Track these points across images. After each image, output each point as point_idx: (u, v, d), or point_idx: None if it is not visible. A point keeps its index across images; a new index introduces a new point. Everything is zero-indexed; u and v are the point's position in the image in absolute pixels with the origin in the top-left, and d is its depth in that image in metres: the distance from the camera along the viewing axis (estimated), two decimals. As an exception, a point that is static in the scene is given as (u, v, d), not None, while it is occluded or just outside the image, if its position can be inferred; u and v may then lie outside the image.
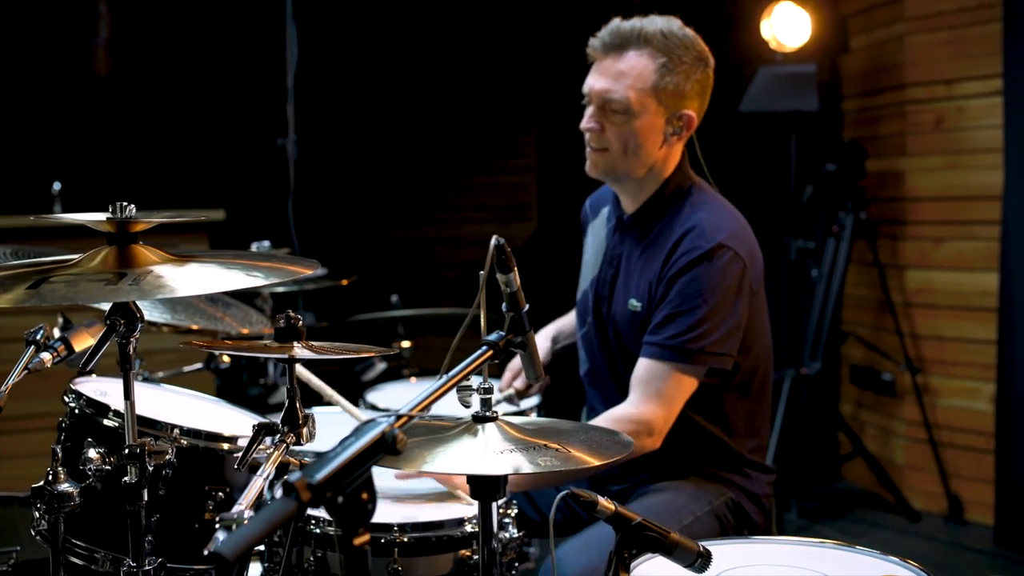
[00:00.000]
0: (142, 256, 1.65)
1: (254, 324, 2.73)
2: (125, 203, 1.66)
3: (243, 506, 1.37)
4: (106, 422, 1.97)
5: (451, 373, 1.36)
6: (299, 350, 1.67)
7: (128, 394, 1.70)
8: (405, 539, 1.89)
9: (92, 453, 1.88)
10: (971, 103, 4.26)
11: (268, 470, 1.52)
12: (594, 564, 2.11)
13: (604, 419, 2.22)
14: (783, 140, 4.58)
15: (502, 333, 1.43)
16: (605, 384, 2.45)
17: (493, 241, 1.38)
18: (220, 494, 1.99)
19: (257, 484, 1.47)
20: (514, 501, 2.07)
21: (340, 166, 6.65)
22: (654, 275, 2.30)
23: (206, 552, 1.30)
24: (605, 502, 1.48)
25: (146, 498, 1.72)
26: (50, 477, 1.80)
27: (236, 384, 3.50)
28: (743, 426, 2.38)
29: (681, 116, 2.34)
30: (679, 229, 2.30)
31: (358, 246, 6.60)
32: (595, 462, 1.63)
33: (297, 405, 1.67)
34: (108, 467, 1.87)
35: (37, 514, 2.00)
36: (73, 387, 2.04)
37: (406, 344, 3.56)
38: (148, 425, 1.95)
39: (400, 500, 2.07)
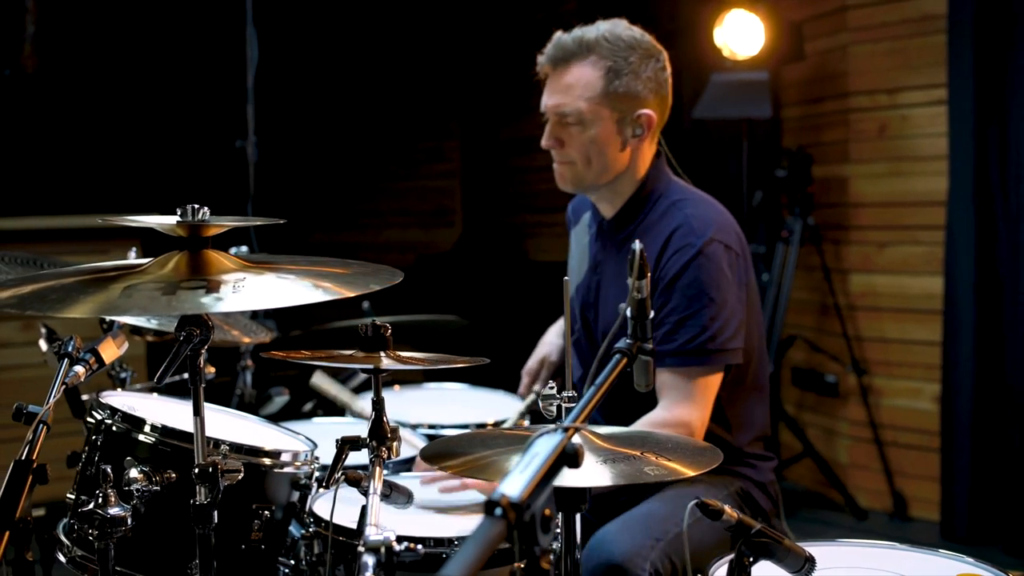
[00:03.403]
0: (215, 262, 1.55)
1: (256, 332, 2.62)
2: (196, 205, 1.56)
3: (385, 530, 1.29)
4: (142, 437, 1.86)
5: (598, 381, 1.31)
6: (385, 360, 1.59)
7: (198, 410, 1.60)
8: (443, 553, 1.82)
9: (135, 472, 1.77)
10: (914, 112, 4.39)
11: (376, 487, 1.44)
12: (638, 542, 2.10)
13: (641, 425, 2.20)
14: (735, 147, 4.65)
15: (629, 340, 1.38)
16: None
17: (636, 245, 1.33)
18: (267, 513, 1.90)
19: (375, 503, 1.39)
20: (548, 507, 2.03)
21: (299, 168, 6.50)
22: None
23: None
24: (729, 510, 1.46)
25: (216, 520, 1.62)
26: (100, 499, 1.68)
27: (220, 396, 3.35)
28: (742, 419, 2.39)
29: (639, 117, 2.33)
30: (665, 229, 2.29)
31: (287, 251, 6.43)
32: (691, 471, 1.61)
33: (384, 418, 1.59)
34: (156, 487, 1.76)
35: (66, 539, 1.88)
36: (103, 401, 1.92)
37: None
38: (189, 440, 1.84)
39: (445, 512, 2.01)
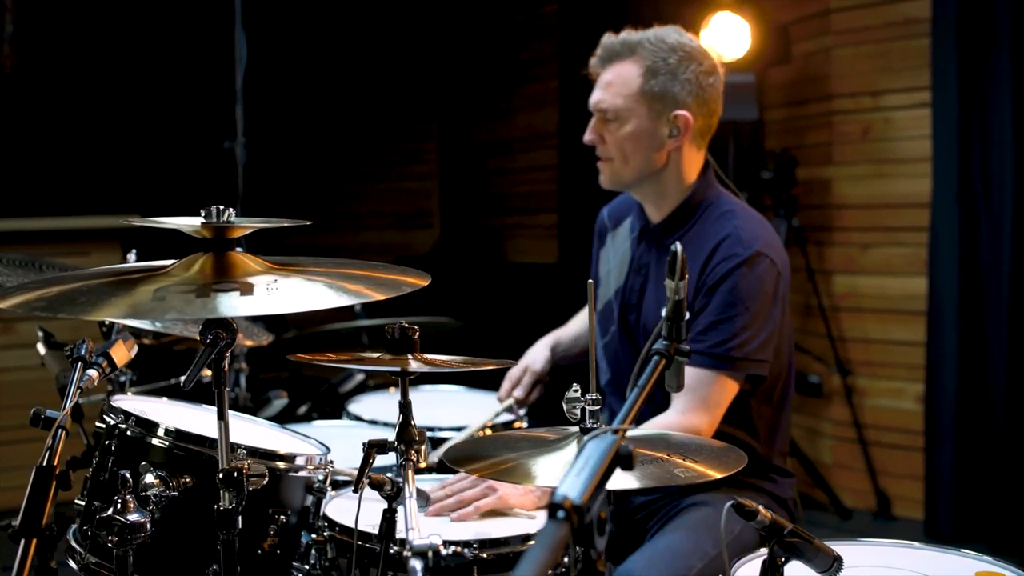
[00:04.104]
0: (241, 264, 1.53)
1: (258, 335, 2.60)
2: (222, 207, 1.54)
3: (430, 534, 1.27)
4: (155, 442, 1.83)
5: (640, 383, 1.30)
6: (413, 363, 1.58)
7: (222, 414, 1.58)
8: (484, 555, 1.81)
9: (150, 478, 1.75)
10: (897, 114, 4.43)
11: (411, 491, 1.42)
12: None
13: (653, 427, 2.20)
14: (720, 148, 4.67)
15: (666, 342, 1.38)
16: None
17: (677, 247, 1.33)
18: (282, 517, 1.88)
19: (413, 508, 1.38)
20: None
21: (282, 169, 6.46)
22: (690, 283, 2.30)
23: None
24: (764, 511, 1.46)
25: (240, 525, 1.59)
26: (119, 505, 1.65)
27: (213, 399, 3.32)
28: (767, 433, 2.41)
29: (675, 117, 2.36)
30: (713, 237, 2.30)
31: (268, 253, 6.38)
32: (717, 474, 1.61)
33: (412, 421, 1.57)
34: (174, 492, 1.74)
35: (77, 545, 1.85)
36: (115, 404, 1.89)
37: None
38: (208, 444, 1.82)
39: (460, 517, 1.99)
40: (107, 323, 2.33)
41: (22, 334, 4.53)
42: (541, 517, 2.01)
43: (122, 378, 2.48)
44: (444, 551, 1.21)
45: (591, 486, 1.06)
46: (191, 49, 5.60)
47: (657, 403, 2.30)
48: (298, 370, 4.16)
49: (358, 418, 2.91)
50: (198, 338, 2.54)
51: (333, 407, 3.11)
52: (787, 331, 2.41)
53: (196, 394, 2.92)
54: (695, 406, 2.20)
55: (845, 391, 4.57)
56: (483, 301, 5.98)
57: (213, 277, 1.48)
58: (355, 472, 2.10)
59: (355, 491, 1.57)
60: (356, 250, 7.13)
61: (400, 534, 1.70)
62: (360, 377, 3.32)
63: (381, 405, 3.08)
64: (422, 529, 1.32)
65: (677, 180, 2.41)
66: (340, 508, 1.99)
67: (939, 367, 4.25)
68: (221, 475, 1.56)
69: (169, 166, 5.74)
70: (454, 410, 3.03)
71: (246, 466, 1.57)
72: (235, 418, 2.20)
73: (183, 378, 1.53)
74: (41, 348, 2.40)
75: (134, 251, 2.44)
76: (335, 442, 2.15)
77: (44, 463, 1.48)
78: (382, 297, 1.44)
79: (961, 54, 4.06)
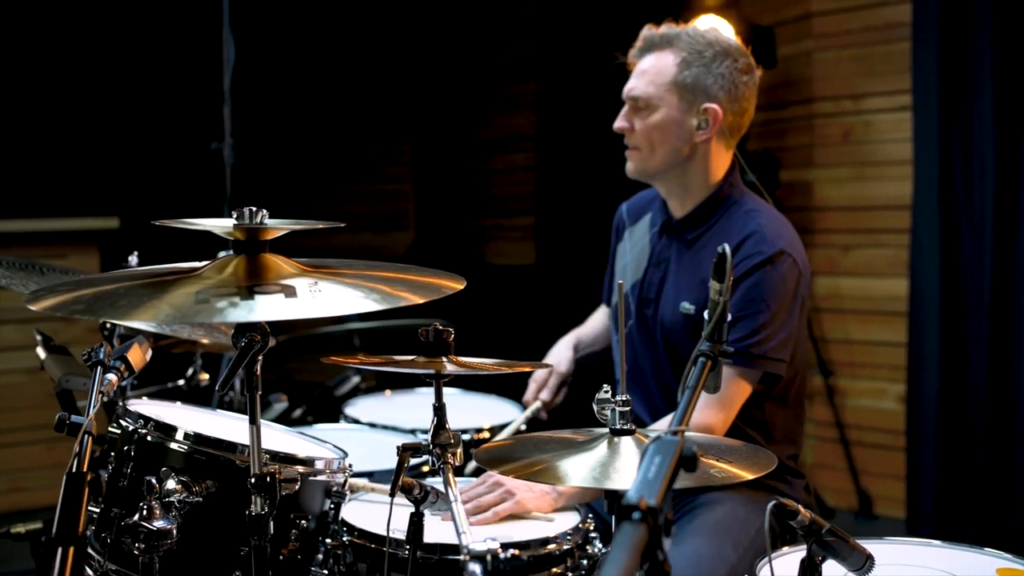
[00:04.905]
0: (274, 266, 1.51)
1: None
2: (254, 208, 1.52)
3: (486, 539, 1.26)
4: (174, 446, 1.80)
5: (691, 385, 1.30)
6: (448, 365, 1.57)
7: (254, 418, 1.56)
8: (509, 555, 1.81)
9: (172, 483, 1.72)
10: (878, 117, 4.48)
11: (456, 494, 1.41)
12: None
13: (664, 425, 2.21)
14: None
15: (710, 343, 1.38)
16: (647, 386, 2.44)
17: (725, 248, 1.33)
18: (303, 522, 1.86)
19: (461, 511, 1.36)
20: (590, 515, 2.02)
21: (263, 171, 6.40)
22: (709, 278, 2.30)
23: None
24: (804, 511, 1.47)
25: (272, 531, 1.58)
26: (144, 512, 1.62)
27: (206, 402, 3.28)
28: (781, 433, 2.42)
29: (705, 110, 2.37)
30: (737, 234, 2.31)
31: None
32: (751, 475, 1.61)
33: (447, 424, 1.56)
34: (198, 497, 1.71)
35: (94, 552, 1.82)
36: (132, 408, 1.86)
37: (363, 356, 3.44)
38: (225, 448, 1.80)
39: (479, 522, 1.98)
40: (108, 326, 2.29)
41: (5, 337, 4.47)
42: (559, 519, 2.01)
43: (123, 382, 2.43)
44: (503, 554, 1.20)
45: (663, 487, 1.06)
46: (179, 50, 5.54)
47: (671, 400, 2.30)
48: (288, 374, 4.12)
49: (356, 421, 2.90)
50: (205, 341, 2.53)
51: (329, 410, 3.09)
52: (803, 333, 2.42)
53: (193, 397, 2.90)
54: (710, 403, 2.20)
55: (827, 391, 4.61)
56: (461, 303, 5.96)
57: (247, 279, 1.46)
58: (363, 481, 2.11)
59: (392, 495, 1.55)
60: (332, 252, 7.07)
61: (430, 538, 1.69)
62: (356, 380, 3.30)
63: (377, 408, 3.06)
64: (473, 533, 1.31)
65: (703, 175, 2.41)
66: (356, 512, 1.98)
67: (921, 367, 4.29)
68: (254, 480, 1.54)
69: (157, 167, 5.68)
70: (452, 413, 3.01)
71: (278, 471, 1.55)
72: (242, 421, 2.17)
73: (220, 381, 1.50)
74: (41, 352, 2.35)
75: (136, 253, 2.40)
76: (339, 445, 2.13)
77: (74, 469, 1.45)
78: (422, 300, 1.43)
79: (942, 58, 4.11)
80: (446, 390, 3.24)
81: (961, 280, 4.18)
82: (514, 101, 6.31)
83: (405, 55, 6.89)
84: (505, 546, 1.71)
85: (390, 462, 2.42)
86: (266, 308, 1.33)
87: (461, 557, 1.25)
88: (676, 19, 2.40)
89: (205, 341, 2.47)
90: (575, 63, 5.54)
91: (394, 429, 2.80)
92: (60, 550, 1.34)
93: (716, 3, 4.48)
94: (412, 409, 3.05)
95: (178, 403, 2.17)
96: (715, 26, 2.44)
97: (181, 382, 2.74)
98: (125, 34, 5.57)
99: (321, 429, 2.78)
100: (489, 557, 1.21)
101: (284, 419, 3.00)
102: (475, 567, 1.20)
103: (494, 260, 6.61)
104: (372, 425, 2.84)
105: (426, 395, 3.22)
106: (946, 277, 4.19)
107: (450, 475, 1.47)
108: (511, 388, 3.04)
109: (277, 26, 6.35)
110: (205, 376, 2.79)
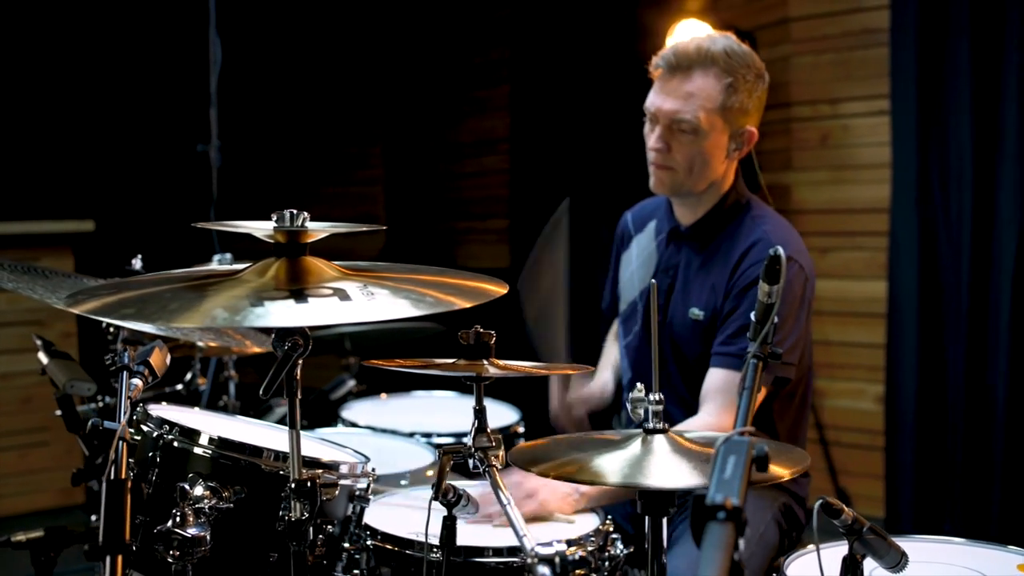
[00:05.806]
0: (316, 269, 1.50)
1: (265, 343, 2.54)
2: (295, 211, 1.51)
3: (554, 541, 1.25)
4: (198, 451, 1.78)
5: (747, 386, 1.31)
6: (489, 368, 1.56)
7: (293, 423, 1.54)
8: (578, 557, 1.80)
9: (200, 490, 1.70)
10: (855, 122, 4.54)
11: (506, 496, 1.41)
12: None
13: (688, 426, 2.22)
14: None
15: (758, 345, 1.39)
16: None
17: (779, 251, 1.34)
18: (328, 528, 1.84)
19: (516, 514, 1.36)
20: (609, 517, 2.03)
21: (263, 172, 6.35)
22: (719, 285, 2.33)
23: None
24: (848, 510, 1.49)
25: (311, 537, 1.56)
26: (178, 519, 1.60)
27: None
28: (788, 435, 2.44)
29: (743, 132, 2.39)
30: (744, 241, 2.34)
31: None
32: (786, 472, 1.62)
33: (487, 427, 1.56)
34: (229, 504, 1.69)
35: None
36: (154, 413, 1.83)
37: (353, 360, 3.44)
38: (252, 453, 1.78)
39: (503, 524, 1.98)
40: (112, 329, 2.26)
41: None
42: (580, 520, 2.01)
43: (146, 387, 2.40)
44: (571, 556, 1.20)
45: (743, 487, 1.07)
46: (165, 52, 5.47)
47: (688, 405, 2.32)
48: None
49: (354, 424, 2.88)
50: (213, 345, 2.50)
51: (325, 414, 3.07)
52: (809, 336, 2.45)
53: (192, 401, 2.86)
54: (725, 408, 2.22)
55: (806, 392, 4.66)
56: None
57: (290, 282, 1.45)
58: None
59: (435, 499, 1.54)
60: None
61: (462, 541, 1.69)
62: (351, 384, 3.28)
63: (373, 412, 3.05)
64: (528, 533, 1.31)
65: (717, 186, 2.44)
66: (377, 516, 1.97)
67: (899, 368, 4.35)
68: (293, 485, 1.53)
69: (137, 169, 5.61)
70: (449, 416, 3.01)
71: (319, 476, 1.54)
72: (260, 426, 2.15)
73: (263, 386, 1.48)
74: (43, 357, 2.31)
75: (139, 256, 2.37)
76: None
77: (113, 476, 1.43)
78: (468, 305, 1.43)
79: (920, 62, 4.17)
80: (445, 394, 3.28)
81: (939, 282, 4.24)
82: (488, 104, 6.31)
83: (378, 58, 6.86)
84: None
85: (392, 466, 2.43)
86: (319, 311, 1.32)
87: (528, 560, 1.24)
88: (656, 23, 2.34)
89: (213, 344, 2.44)
90: (550, 67, 5.56)
91: (393, 432, 2.79)
92: (108, 558, 1.31)
93: (696, 7, 4.51)
94: (411, 412, 3.04)
95: (197, 408, 2.14)
96: (734, 39, 2.43)
97: (179, 387, 2.71)
98: (112, 37, 5.50)
99: (321, 433, 2.76)
100: (558, 559, 1.21)
101: (282, 423, 2.98)
102: (544, 570, 1.19)
103: (467, 263, 6.60)
104: (371, 428, 2.83)
105: (421, 399, 3.25)
106: (924, 279, 4.25)
107: (498, 478, 1.47)
108: (510, 389, 3.03)
109: (253, 28, 6.30)
110: (203, 380, 2.76)
